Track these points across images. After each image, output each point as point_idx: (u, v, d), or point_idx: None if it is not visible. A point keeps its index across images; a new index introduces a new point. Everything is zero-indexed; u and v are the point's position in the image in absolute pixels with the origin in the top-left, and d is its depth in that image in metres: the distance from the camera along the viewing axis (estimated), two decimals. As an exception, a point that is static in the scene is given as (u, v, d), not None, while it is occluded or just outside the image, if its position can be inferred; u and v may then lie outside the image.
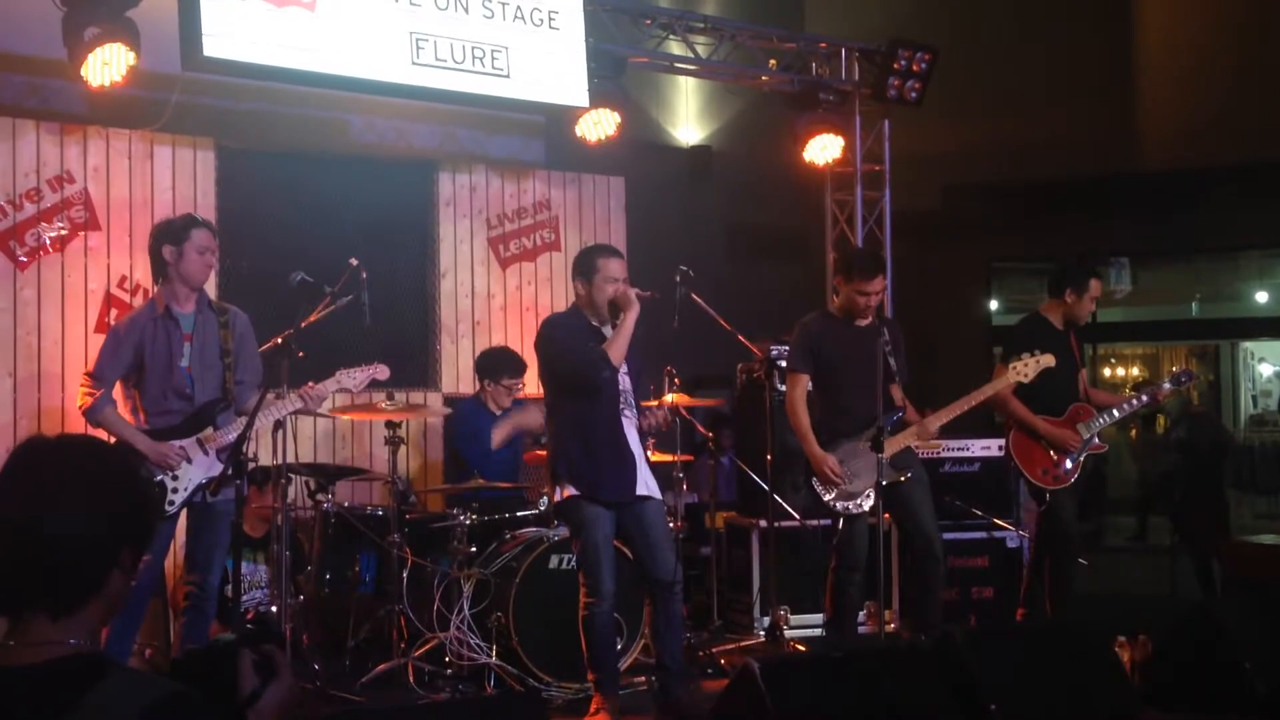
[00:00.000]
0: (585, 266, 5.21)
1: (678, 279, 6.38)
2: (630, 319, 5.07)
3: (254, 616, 6.07)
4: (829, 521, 5.85)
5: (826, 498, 5.61)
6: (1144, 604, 6.79)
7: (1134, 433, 6.44)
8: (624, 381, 5.18)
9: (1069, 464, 6.12)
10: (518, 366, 6.78)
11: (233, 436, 4.90)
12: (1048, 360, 5.82)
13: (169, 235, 5.09)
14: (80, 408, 5.06)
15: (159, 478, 4.93)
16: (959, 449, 7.22)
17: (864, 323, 5.76)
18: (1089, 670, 4.63)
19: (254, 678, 1.96)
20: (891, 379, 5.67)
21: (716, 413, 8.27)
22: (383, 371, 5.43)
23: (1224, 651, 4.92)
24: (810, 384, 5.83)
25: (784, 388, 6.45)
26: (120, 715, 1.71)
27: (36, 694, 1.74)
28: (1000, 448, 7.28)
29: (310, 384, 5.23)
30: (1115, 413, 6.28)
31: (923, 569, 5.70)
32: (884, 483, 5.41)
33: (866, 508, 5.57)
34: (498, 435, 6.62)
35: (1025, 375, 5.81)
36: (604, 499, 5.07)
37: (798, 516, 6.65)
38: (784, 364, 6.56)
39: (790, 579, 6.79)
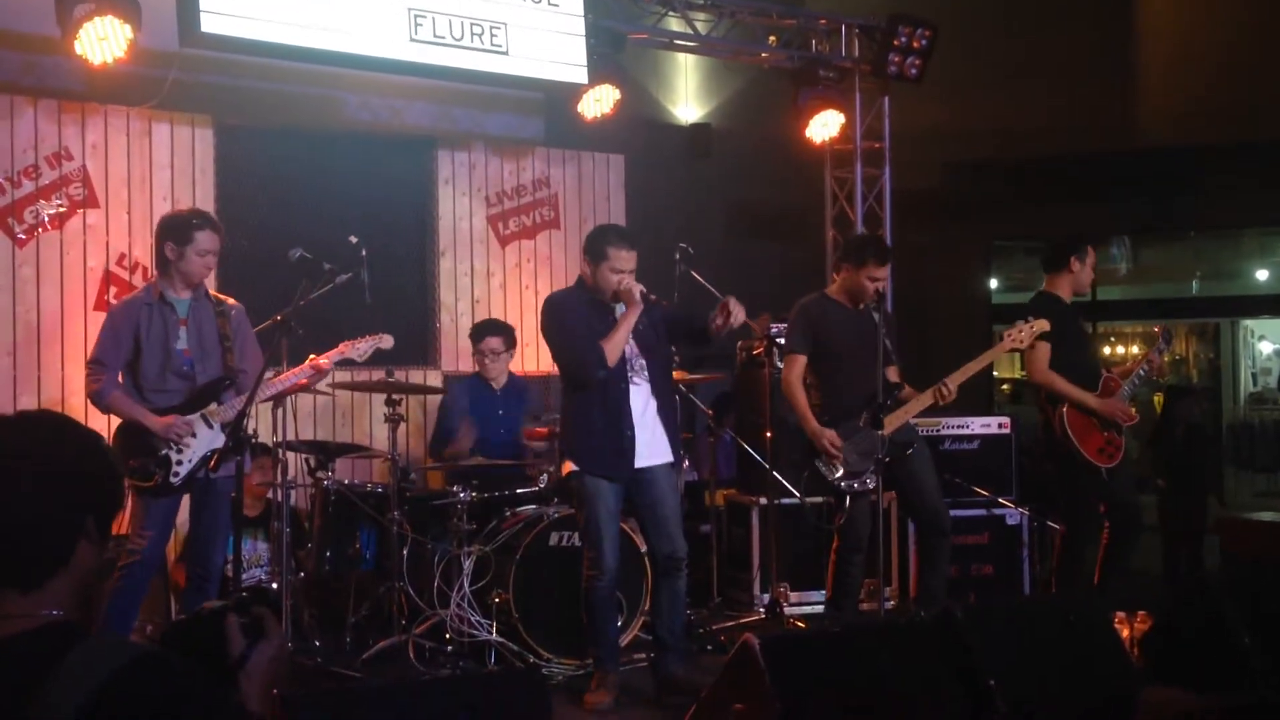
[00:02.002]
0: (594, 250, 5.15)
1: (677, 256, 6.37)
2: (630, 318, 5.01)
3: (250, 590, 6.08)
4: (827, 500, 5.84)
5: (832, 477, 5.60)
6: (1144, 581, 6.77)
7: (1132, 410, 6.43)
8: (630, 347, 5.14)
9: (1118, 438, 6.02)
10: (489, 329, 6.83)
11: (235, 411, 4.91)
12: (1041, 325, 5.76)
13: (172, 233, 5.09)
14: (88, 394, 5.10)
15: (164, 452, 4.96)
16: (959, 427, 7.22)
17: (860, 307, 5.75)
18: (1089, 647, 4.62)
19: (241, 640, 1.96)
20: (889, 361, 5.66)
21: (717, 390, 8.26)
22: (387, 341, 5.46)
23: (1224, 628, 4.92)
24: (808, 367, 5.81)
25: (783, 366, 6.45)
26: (93, 679, 1.71)
27: (9, 665, 1.75)
28: (1002, 424, 7.28)
29: (313, 357, 5.24)
30: (1135, 381, 6.18)
31: (929, 544, 5.70)
32: (886, 459, 5.40)
33: (871, 485, 5.56)
34: (448, 450, 6.63)
35: (1021, 342, 5.76)
36: (600, 474, 5.06)
37: (798, 494, 6.64)
38: (783, 343, 6.54)
39: (790, 556, 6.79)
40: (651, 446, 5.13)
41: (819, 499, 6.74)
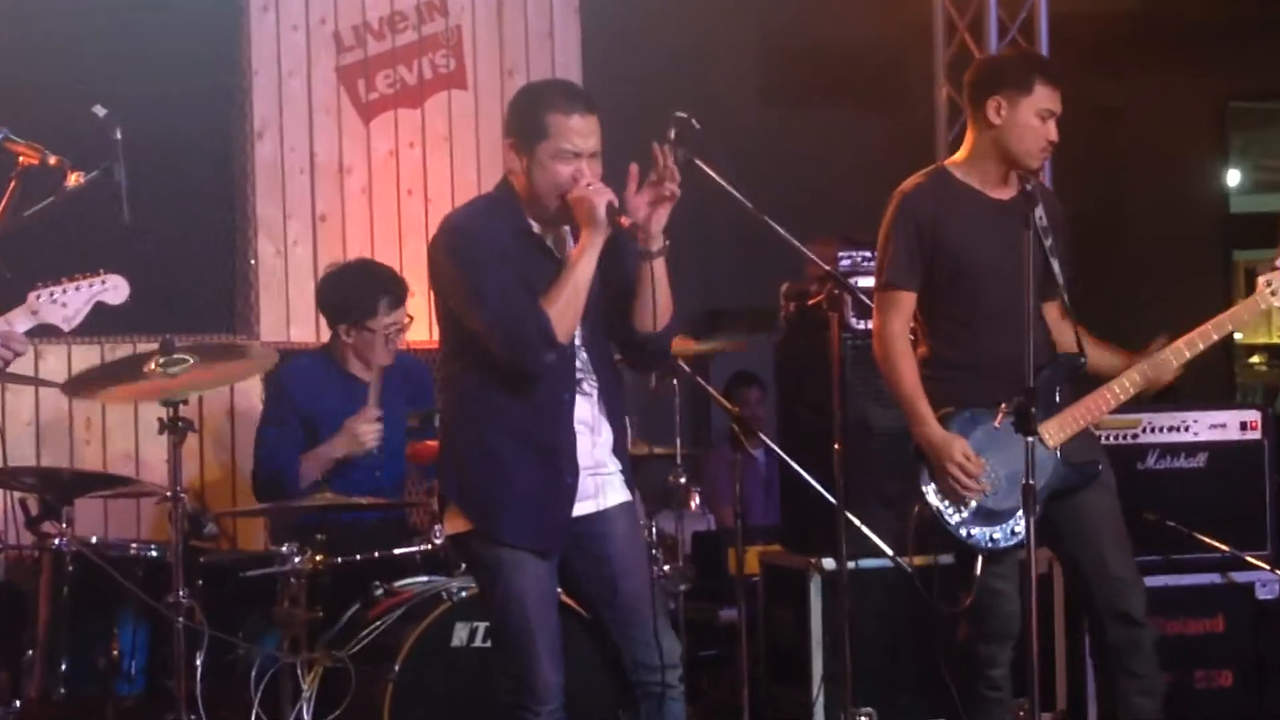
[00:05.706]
0: (525, 123, 5.05)
1: (672, 136, 6.32)
2: (591, 253, 4.91)
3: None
4: (950, 559, 5.86)
5: (953, 520, 5.63)
6: None
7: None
8: (578, 330, 5.08)
9: None
10: (392, 290, 6.74)
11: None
12: None
13: None
14: None
15: None
16: (1172, 429, 7.23)
17: (1007, 195, 5.74)
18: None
19: None
20: (1052, 293, 5.68)
21: (743, 371, 8.29)
22: (116, 290, 5.35)
23: None
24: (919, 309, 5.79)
25: (865, 324, 6.44)
26: None
27: None
28: (1248, 425, 7.29)
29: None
30: None
31: (1111, 637, 5.73)
32: (1051, 489, 5.46)
33: (1020, 535, 5.57)
34: (307, 468, 6.57)
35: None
36: (521, 545, 4.99)
37: (889, 551, 6.65)
38: (866, 281, 6.53)
39: (875, 659, 6.81)
40: (597, 484, 5.09)
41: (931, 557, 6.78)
